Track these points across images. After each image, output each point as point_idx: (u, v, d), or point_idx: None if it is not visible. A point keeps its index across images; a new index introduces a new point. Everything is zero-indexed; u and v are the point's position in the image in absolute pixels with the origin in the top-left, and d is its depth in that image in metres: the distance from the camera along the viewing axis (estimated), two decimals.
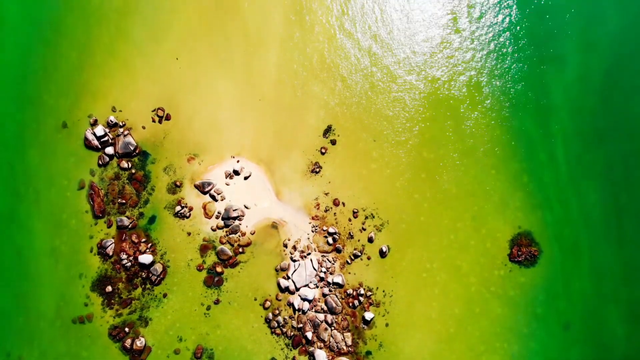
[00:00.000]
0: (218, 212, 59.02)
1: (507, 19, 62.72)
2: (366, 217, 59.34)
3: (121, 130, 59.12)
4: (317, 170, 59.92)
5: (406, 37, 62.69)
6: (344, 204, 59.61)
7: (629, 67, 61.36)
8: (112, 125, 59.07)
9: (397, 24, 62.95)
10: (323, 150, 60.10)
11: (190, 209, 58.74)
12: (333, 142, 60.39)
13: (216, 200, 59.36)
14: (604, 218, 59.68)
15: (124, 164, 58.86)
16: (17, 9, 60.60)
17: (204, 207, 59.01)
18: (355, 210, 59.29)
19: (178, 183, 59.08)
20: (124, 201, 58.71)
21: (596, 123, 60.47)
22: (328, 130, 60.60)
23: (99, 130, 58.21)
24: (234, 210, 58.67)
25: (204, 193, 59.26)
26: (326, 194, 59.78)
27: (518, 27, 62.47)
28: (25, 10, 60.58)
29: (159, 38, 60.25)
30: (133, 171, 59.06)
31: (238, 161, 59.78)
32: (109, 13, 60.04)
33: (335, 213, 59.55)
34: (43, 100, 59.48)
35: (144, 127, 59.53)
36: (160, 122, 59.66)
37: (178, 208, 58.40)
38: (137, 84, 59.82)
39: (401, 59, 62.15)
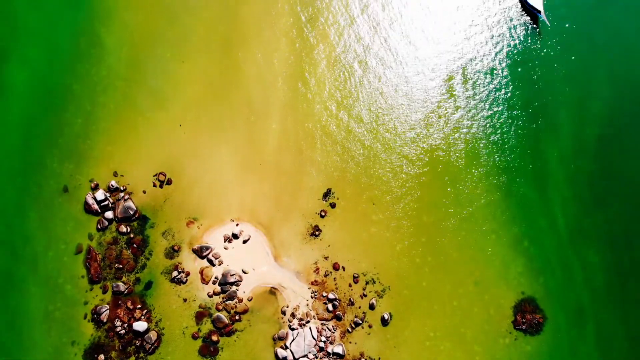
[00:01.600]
0: (215, 277, 58.13)
1: (500, 88, 64.61)
2: (367, 282, 58.41)
3: (122, 194, 59.39)
4: (317, 233, 59.65)
5: (403, 104, 64.32)
6: (344, 268, 58.87)
7: (622, 133, 62.63)
8: (113, 190, 59.39)
9: (393, 93, 64.76)
10: (323, 214, 60.08)
11: (187, 274, 57.92)
12: (333, 205, 60.49)
13: (214, 265, 58.63)
14: (607, 282, 58.79)
15: (123, 229, 58.64)
16: (25, 76, 62.57)
17: (201, 272, 58.20)
18: (356, 275, 58.45)
19: (176, 247, 58.61)
20: (121, 266, 57.99)
21: (594, 187, 60.89)
22: (328, 194, 60.87)
23: (100, 194, 58.48)
24: (231, 275, 57.80)
25: (202, 257, 58.65)
26: (326, 258, 59.16)
27: (511, 95, 64.25)
28: (33, 78, 62.55)
29: (164, 106, 61.83)
30: (132, 235, 58.75)
31: (237, 224, 59.62)
32: (116, 81, 61.99)
33: (335, 278, 58.67)
34: (45, 164, 60.14)
35: (144, 192, 59.83)
36: (161, 186, 60.05)
37: (175, 273, 57.58)
38: (140, 149, 60.72)
39: (398, 126, 63.44)
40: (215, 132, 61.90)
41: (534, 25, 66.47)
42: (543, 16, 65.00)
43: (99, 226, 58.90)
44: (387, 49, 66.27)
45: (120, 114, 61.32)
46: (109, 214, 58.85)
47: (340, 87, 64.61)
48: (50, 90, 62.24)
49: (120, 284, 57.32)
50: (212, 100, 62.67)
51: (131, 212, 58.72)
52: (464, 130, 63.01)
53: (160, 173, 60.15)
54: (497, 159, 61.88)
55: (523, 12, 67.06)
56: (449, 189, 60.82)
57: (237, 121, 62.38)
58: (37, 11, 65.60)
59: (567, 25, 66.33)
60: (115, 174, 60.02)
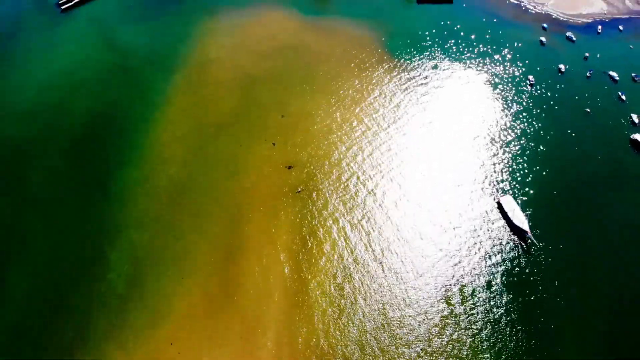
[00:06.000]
0: None
1: (498, 306, 63.89)
2: None
3: None
4: None
5: (400, 321, 62.82)
6: None
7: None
8: None
9: (391, 309, 63.94)
10: None
11: None
12: None
13: None
14: None
15: None
16: (24, 287, 63.52)
17: None
18: None
19: None
20: None
21: None
22: None
23: None
24: None
25: None
26: None
27: (510, 313, 63.12)
28: (32, 289, 63.50)
29: (157, 323, 60.67)
30: None
31: None
32: (111, 299, 62.19)
33: None
34: None
35: None
36: None
37: None
38: None
39: (397, 342, 60.68)
40: (207, 351, 58.83)
41: (523, 243, 69.41)
42: (530, 235, 68.49)
43: None
44: (382, 265, 67.85)
45: (112, 332, 59.57)
46: None
47: (340, 306, 63.62)
48: (45, 302, 62.27)
49: None
50: (206, 316, 61.63)
51: None
52: (467, 343, 59.77)
53: None
54: None
55: (511, 232, 70.92)
56: None
57: (230, 338, 60.03)
58: (47, 219, 70.74)
59: (555, 241, 69.34)
60: None
